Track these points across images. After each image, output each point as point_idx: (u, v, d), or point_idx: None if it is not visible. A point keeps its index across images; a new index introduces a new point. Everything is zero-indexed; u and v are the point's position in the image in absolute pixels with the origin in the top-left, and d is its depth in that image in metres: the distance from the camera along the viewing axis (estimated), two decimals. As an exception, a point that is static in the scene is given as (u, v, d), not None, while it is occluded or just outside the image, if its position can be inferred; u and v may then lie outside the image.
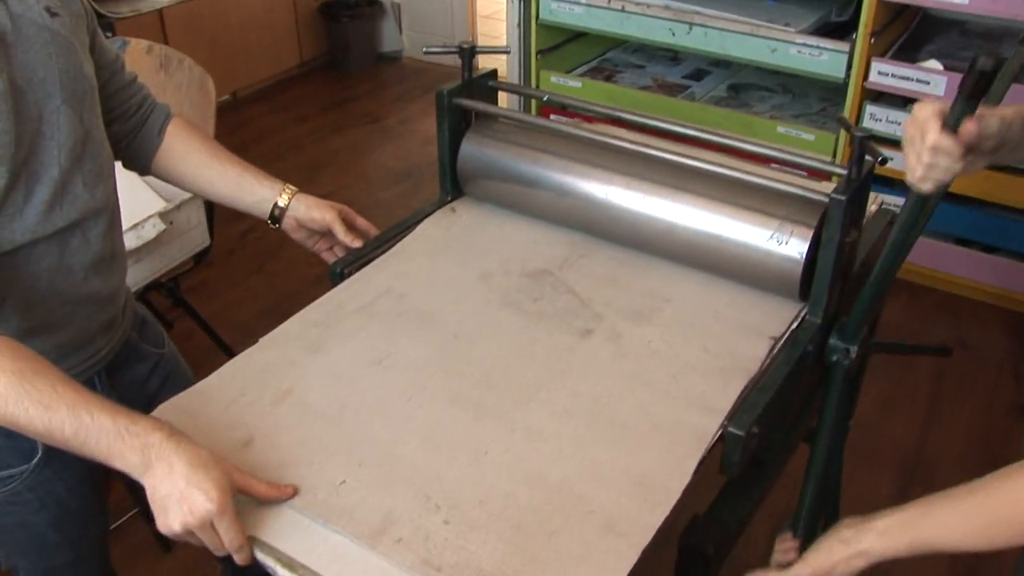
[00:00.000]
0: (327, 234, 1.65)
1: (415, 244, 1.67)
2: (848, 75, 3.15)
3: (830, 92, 3.55)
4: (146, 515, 2.39)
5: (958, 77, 1.38)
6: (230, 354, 2.94)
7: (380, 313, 1.51)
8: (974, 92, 1.11)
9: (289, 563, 1.12)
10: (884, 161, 1.33)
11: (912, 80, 3.09)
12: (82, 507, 1.57)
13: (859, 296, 1.42)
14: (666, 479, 1.20)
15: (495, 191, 1.72)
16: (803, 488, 1.57)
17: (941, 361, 3.11)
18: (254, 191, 1.61)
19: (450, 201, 1.77)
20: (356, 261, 1.58)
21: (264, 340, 1.45)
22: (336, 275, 1.57)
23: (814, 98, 3.63)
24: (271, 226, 1.65)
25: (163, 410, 1.31)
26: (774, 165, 1.64)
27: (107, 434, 1.15)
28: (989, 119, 1.15)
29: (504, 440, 1.27)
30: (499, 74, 1.77)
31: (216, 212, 2.64)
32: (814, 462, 1.57)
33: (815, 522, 2.22)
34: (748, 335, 1.44)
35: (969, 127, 1.11)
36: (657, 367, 1.40)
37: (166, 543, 2.46)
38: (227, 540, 1.13)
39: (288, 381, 1.37)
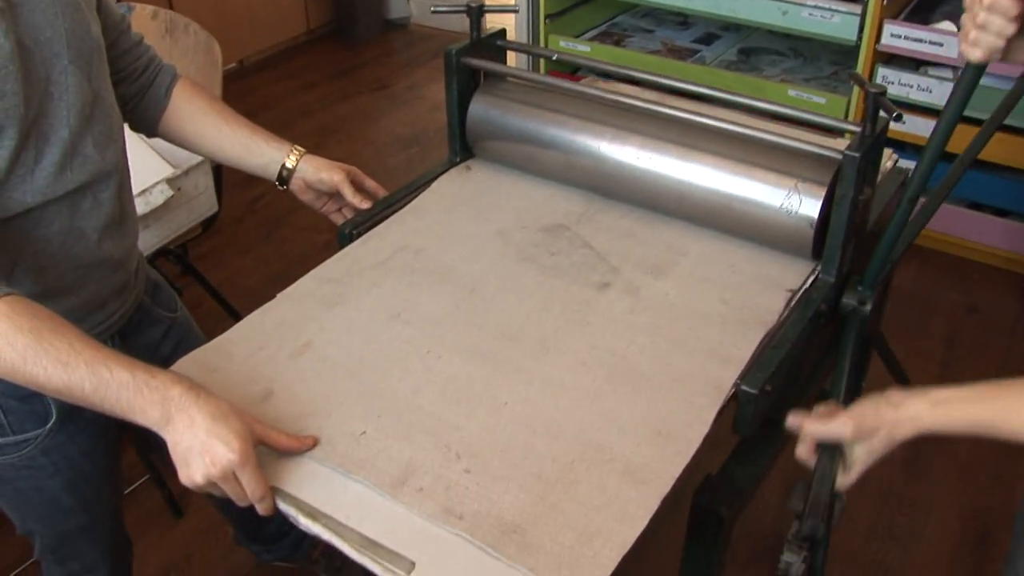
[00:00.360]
0: (335, 195, 1.64)
1: (430, 201, 1.67)
2: (860, 37, 3.12)
3: (842, 56, 3.52)
4: (157, 481, 2.42)
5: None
6: (240, 320, 2.94)
7: (397, 269, 1.51)
8: None
9: (311, 512, 1.12)
10: (899, 117, 1.32)
11: (925, 42, 3.05)
12: (96, 471, 1.57)
13: (884, 233, 1.40)
14: (685, 429, 1.20)
15: (505, 152, 1.71)
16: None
17: (952, 326, 3.10)
18: (262, 152, 1.60)
19: (459, 162, 1.75)
20: (365, 222, 1.58)
21: (281, 296, 1.46)
22: (345, 236, 1.56)
23: (825, 62, 3.59)
24: (279, 188, 1.64)
25: (181, 365, 1.32)
26: (787, 126, 1.63)
27: (127, 389, 1.15)
28: None
29: (523, 392, 1.27)
30: (507, 53, 1.76)
31: (224, 179, 2.63)
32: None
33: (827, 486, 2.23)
34: (765, 288, 1.44)
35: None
36: (675, 319, 1.40)
37: (177, 509, 2.47)
38: (249, 491, 1.14)
39: (306, 335, 1.38)
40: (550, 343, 1.36)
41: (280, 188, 1.64)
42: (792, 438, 1.65)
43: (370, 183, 1.65)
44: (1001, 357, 2.99)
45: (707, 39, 3.80)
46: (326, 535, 1.10)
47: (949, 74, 3.12)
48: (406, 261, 1.53)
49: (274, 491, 1.14)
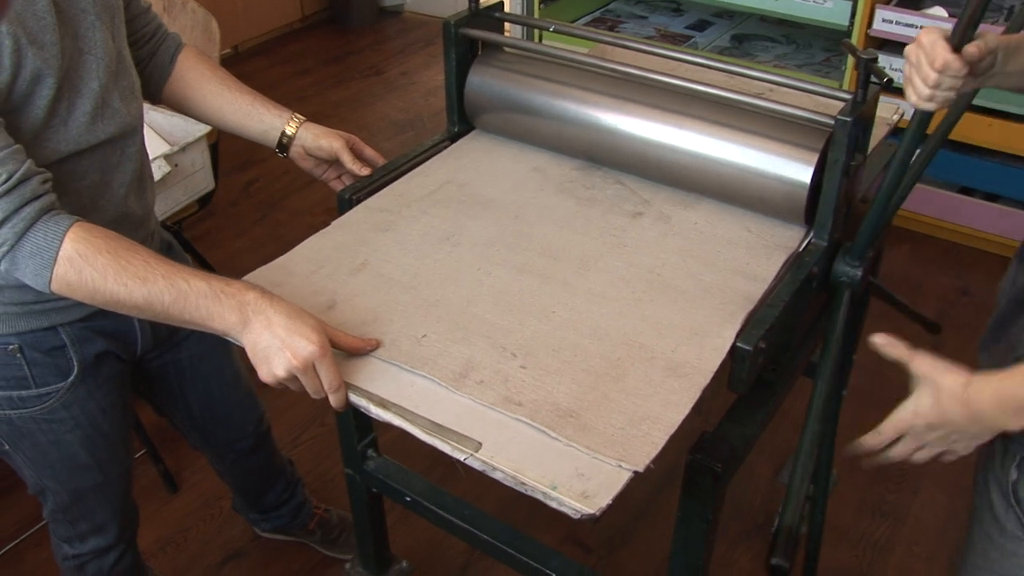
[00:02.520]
0: (335, 163, 1.66)
1: (469, 144, 1.76)
2: (852, 23, 3.14)
3: (834, 42, 3.54)
4: (153, 457, 2.43)
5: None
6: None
7: (443, 200, 1.61)
8: (973, 19, 1.17)
9: (381, 402, 1.21)
10: (890, 82, 1.35)
11: (916, 27, 3.08)
12: (112, 429, 1.62)
13: (873, 204, 1.43)
14: (719, 330, 1.31)
15: (503, 122, 1.73)
16: (805, 422, 1.57)
17: (943, 308, 3.13)
18: (262, 119, 1.63)
19: (457, 132, 1.77)
20: (364, 188, 1.59)
21: (335, 223, 1.54)
22: (344, 202, 1.58)
23: (817, 48, 3.62)
24: (280, 155, 1.66)
25: (247, 280, 1.37)
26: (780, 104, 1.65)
27: (204, 297, 1.22)
28: (988, 38, 1.21)
29: (569, 302, 1.38)
30: (503, 24, 1.78)
31: (221, 162, 2.64)
32: (816, 393, 1.57)
33: (816, 458, 2.25)
34: (785, 221, 1.52)
35: (972, 49, 1.18)
36: (703, 243, 1.51)
37: (173, 484, 2.49)
38: (327, 382, 1.21)
39: (362, 256, 1.47)
40: (590, 262, 1.46)
41: (280, 155, 1.66)
42: (783, 408, 1.68)
43: (369, 151, 1.67)
44: (990, 339, 3.01)
45: (700, 26, 3.83)
46: (397, 421, 1.19)
47: (940, 59, 3.14)
48: (451, 193, 1.63)
49: (347, 387, 1.23)
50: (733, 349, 1.27)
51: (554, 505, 1.08)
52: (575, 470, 1.11)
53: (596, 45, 1.96)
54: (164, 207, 2.43)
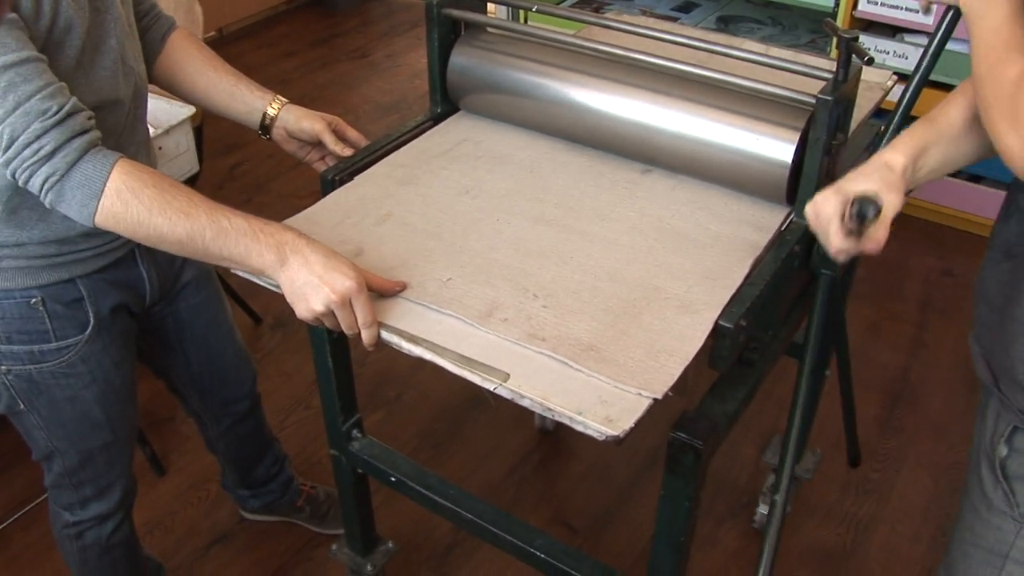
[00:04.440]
0: (317, 145, 1.67)
1: (453, 124, 1.79)
2: (838, 4, 3.15)
3: (819, 24, 3.54)
4: (140, 440, 2.43)
5: (943, 8, 1.42)
6: (221, 280, 2.96)
7: (461, 156, 1.67)
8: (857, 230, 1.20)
9: (412, 338, 1.27)
10: (870, 61, 1.35)
11: (901, 8, 3.09)
12: (123, 386, 1.67)
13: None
14: (728, 272, 1.38)
15: (485, 103, 1.73)
16: (792, 403, 1.59)
17: (927, 290, 3.15)
18: (245, 100, 1.65)
19: (440, 114, 1.77)
20: (347, 169, 1.59)
21: (358, 178, 1.60)
22: (328, 183, 1.58)
23: (803, 30, 3.62)
24: (262, 137, 1.68)
25: None
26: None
27: (244, 234, 1.27)
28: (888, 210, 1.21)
29: (585, 248, 1.44)
30: (487, 4, 1.78)
31: (206, 145, 2.63)
32: (802, 374, 1.59)
33: (805, 433, 2.27)
34: (767, 200, 1.54)
35: (871, 247, 1.21)
36: (711, 195, 1.56)
37: (160, 467, 2.49)
38: (361, 317, 1.27)
39: (386, 207, 1.53)
40: (604, 212, 1.53)
41: (263, 137, 1.68)
42: (767, 388, 1.69)
43: (352, 133, 1.68)
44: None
45: (686, 7, 3.82)
46: (428, 355, 1.25)
47: (925, 41, 3.15)
48: (468, 150, 1.69)
49: (379, 325, 1.28)
50: (715, 328, 1.28)
51: (579, 428, 1.14)
52: (598, 398, 1.17)
53: (585, 27, 1.96)
54: (148, 190, 2.43)
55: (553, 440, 2.59)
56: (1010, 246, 1.27)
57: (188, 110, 2.44)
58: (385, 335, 1.28)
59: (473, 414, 2.68)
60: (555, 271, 1.39)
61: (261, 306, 2.98)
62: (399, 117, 4.15)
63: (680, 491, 1.37)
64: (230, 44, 4.85)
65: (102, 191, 1.25)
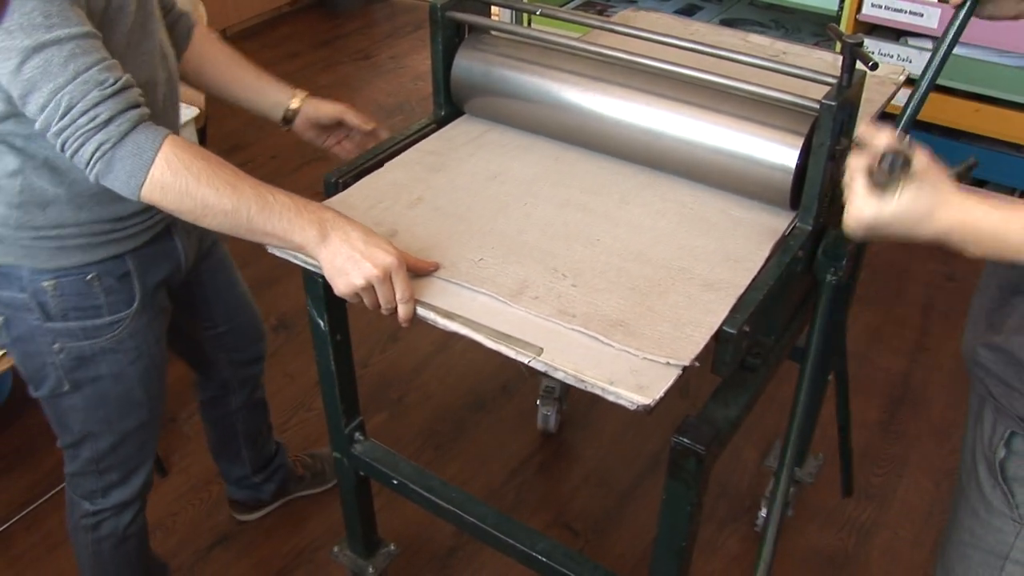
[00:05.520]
0: (338, 127, 1.80)
1: (457, 129, 1.81)
2: (841, 8, 3.15)
3: (823, 27, 3.54)
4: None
5: (951, 10, 1.43)
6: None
7: (488, 144, 1.72)
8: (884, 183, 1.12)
9: (448, 314, 1.32)
10: (875, 66, 1.35)
11: (905, 12, 3.09)
12: (162, 362, 1.74)
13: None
14: (749, 255, 1.44)
15: (489, 106, 1.73)
16: (793, 408, 1.59)
17: (929, 293, 3.15)
18: (269, 95, 1.76)
19: (444, 117, 1.77)
20: (350, 171, 1.60)
21: (388, 164, 1.65)
22: (331, 185, 1.58)
23: (807, 33, 3.62)
24: (283, 128, 1.78)
25: None
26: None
27: (288, 209, 1.33)
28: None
29: (611, 231, 1.49)
30: (491, 8, 1.80)
31: (209, 146, 2.63)
32: (803, 379, 1.59)
33: (805, 439, 2.27)
34: (771, 205, 1.56)
35: None
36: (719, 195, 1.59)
37: (162, 468, 2.49)
38: (400, 291, 1.32)
39: (417, 192, 1.58)
40: (629, 197, 1.58)
41: (284, 128, 1.78)
42: (769, 392, 1.69)
43: (369, 122, 1.79)
44: (976, 324, 3.03)
45: (689, 10, 3.83)
46: (463, 330, 1.30)
47: (929, 44, 3.15)
48: (494, 138, 1.74)
49: (415, 303, 1.34)
50: (718, 333, 1.28)
51: (611, 399, 1.19)
52: (629, 368, 1.22)
53: (589, 30, 1.97)
54: (151, 191, 2.43)
55: (555, 443, 2.59)
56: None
57: (192, 111, 2.44)
58: (421, 311, 1.34)
59: (475, 417, 2.68)
60: (582, 252, 1.44)
61: (264, 307, 2.97)
62: (403, 119, 4.15)
63: (682, 496, 1.37)
64: (234, 45, 4.80)
65: (152, 161, 1.30)
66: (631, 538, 2.33)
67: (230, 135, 4.00)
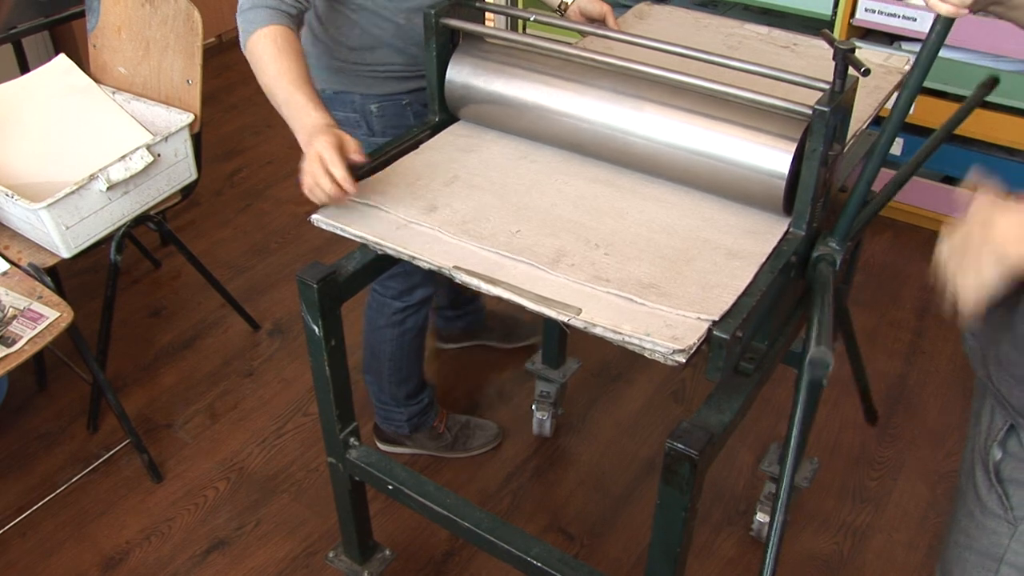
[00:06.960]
0: (598, 24, 1.96)
1: (452, 134, 1.85)
2: (835, 12, 3.15)
3: (817, 32, 3.55)
4: (138, 447, 2.43)
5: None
6: (220, 290, 2.95)
7: (486, 147, 1.77)
8: None
9: (491, 280, 1.41)
10: (867, 72, 1.35)
11: (899, 17, 3.09)
12: None
13: (851, 194, 1.44)
14: (770, 228, 1.53)
15: (483, 112, 1.74)
16: (792, 413, 1.59)
17: (925, 297, 3.15)
18: None
19: (438, 122, 1.78)
20: (360, 169, 1.61)
21: (423, 146, 1.76)
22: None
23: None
24: (557, 13, 2.01)
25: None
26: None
27: (296, 108, 1.59)
28: None
29: (639, 205, 1.59)
30: (486, 15, 1.83)
31: (204, 152, 2.63)
32: (800, 384, 1.59)
33: (804, 443, 2.26)
34: (764, 210, 1.58)
35: None
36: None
37: (157, 474, 2.49)
38: (338, 175, 1.51)
39: (452, 171, 1.68)
40: (655, 174, 1.64)
41: (557, 13, 2.01)
42: (765, 395, 1.69)
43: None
44: (971, 327, 3.03)
45: (684, 15, 3.82)
46: (506, 294, 1.39)
47: (922, 49, 3.16)
48: (492, 139, 1.79)
49: (457, 269, 1.44)
50: (709, 337, 1.29)
51: (648, 347, 1.28)
52: (663, 323, 1.32)
53: (584, 36, 1.98)
54: (147, 197, 2.43)
55: (550, 448, 2.59)
56: None
57: (187, 117, 2.44)
58: (464, 277, 1.42)
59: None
60: (613, 225, 1.53)
61: (259, 313, 2.98)
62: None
63: (676, 501, 1.37)
64: (229, 51, 4.86)
65: (252, 31, 1.65)
66: (626, 542, 2.33)
67: (225, 140, 4.00)
